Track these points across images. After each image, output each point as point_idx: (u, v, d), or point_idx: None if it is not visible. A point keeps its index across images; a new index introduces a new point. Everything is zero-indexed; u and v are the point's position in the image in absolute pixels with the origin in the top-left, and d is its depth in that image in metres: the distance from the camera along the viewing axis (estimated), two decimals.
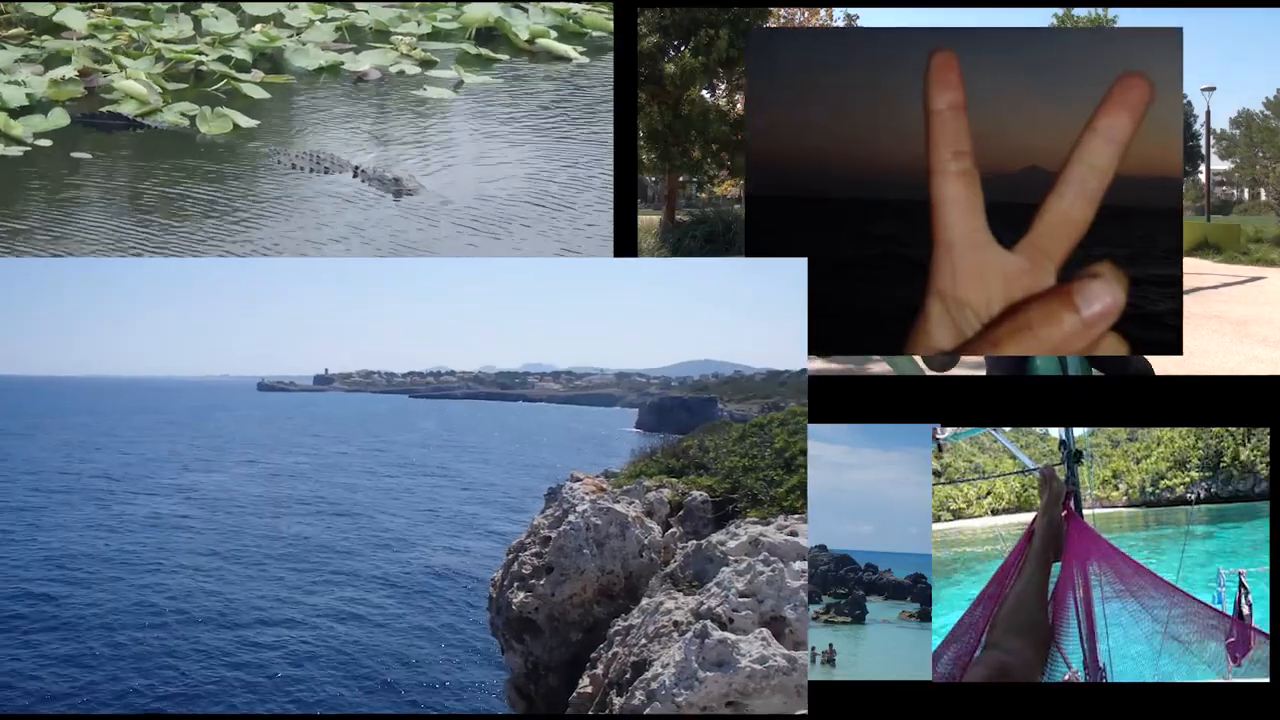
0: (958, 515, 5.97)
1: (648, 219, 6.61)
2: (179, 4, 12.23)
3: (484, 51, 12.05)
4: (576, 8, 13.13)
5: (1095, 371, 4.56)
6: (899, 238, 2.40)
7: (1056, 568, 5.38)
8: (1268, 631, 5.54)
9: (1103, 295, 2.28)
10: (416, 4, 12.84)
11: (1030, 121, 2.39)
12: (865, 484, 5.98)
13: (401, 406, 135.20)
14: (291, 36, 11.91)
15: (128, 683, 18.88)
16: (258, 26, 11.78)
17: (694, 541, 7.69)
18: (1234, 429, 5.72)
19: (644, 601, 7.38)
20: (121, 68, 10.65)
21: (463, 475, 56.19)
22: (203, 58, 11.13)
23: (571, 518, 9.41)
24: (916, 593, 5.88)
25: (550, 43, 12.18)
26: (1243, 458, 5.75)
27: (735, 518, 8.49)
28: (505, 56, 12.06)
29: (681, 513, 9.65)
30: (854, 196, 2.35)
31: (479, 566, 29.00)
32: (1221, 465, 5.79)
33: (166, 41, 11.37)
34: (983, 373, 5.41)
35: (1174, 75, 2.37)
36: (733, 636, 5.64)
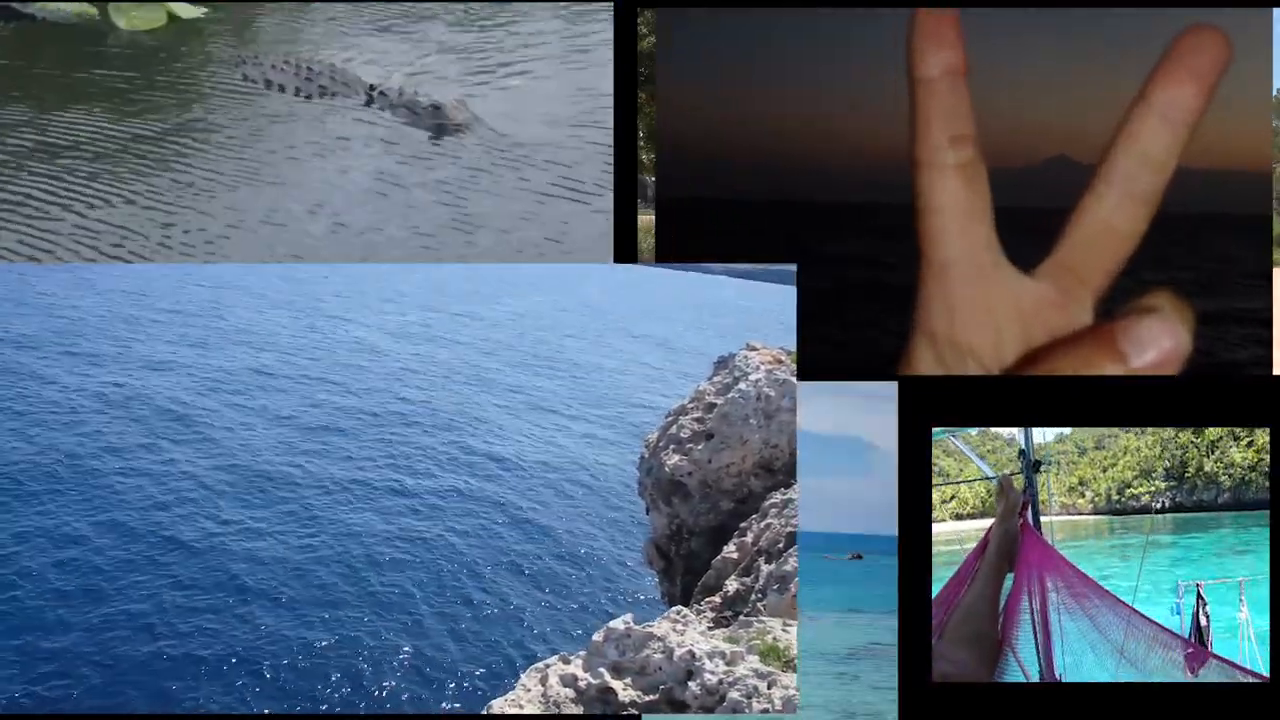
0: None
1: (648, 219, 6.44)
2: None
3: None
4: None
5: None
6: (868, 257, 1.68)
7: (1009, 578, 5.36)
8: (1267, 649, 5.33)
9: (1159, 338, 1.57)
10: None
11: (1058, 96, 1.68)
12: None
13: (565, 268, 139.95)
14: None
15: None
16: None
17: None
18: (1197, 440, 5.69)
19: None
20: None
21: (648, 335, 56.87)
22: None
23: (742, 385, 9.20)
24: None
25: None
26: (1206, 468, 5.70)
27: None
28: None
29: None
30: (806, 199, 1.66)
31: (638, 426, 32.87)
32: (1186, 475, 5.76)
33: None
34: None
35: (1262, 51, 1.71)
36: None
